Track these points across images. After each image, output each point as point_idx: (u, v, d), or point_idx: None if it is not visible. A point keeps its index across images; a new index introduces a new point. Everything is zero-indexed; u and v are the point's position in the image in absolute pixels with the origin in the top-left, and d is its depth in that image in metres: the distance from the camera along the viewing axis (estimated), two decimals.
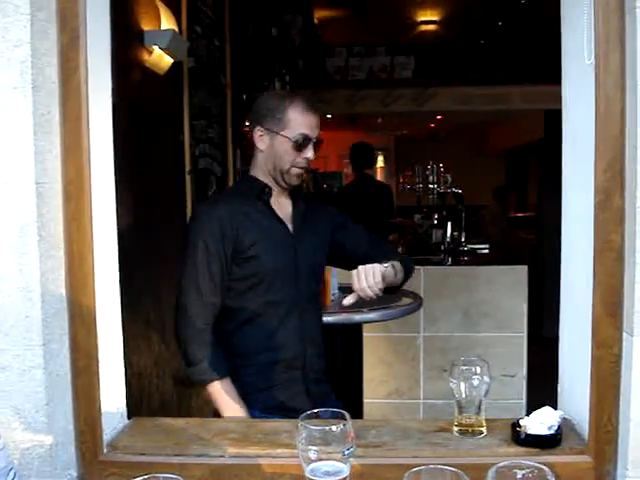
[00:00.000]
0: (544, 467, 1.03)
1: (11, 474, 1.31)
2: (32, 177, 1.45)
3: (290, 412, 2.02)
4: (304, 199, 2.38)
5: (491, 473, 1.04)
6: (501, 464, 1.04)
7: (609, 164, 1.45)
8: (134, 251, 2.66)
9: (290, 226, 2.28)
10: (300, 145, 2.19)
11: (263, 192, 2.25)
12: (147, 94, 2.98)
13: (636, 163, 1.39)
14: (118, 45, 1.87)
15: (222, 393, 2.18)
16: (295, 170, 2.23)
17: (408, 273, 2.36)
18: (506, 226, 9.05)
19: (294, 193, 2.34)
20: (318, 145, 2.24)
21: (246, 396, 2.20)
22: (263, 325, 2.22)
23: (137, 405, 2.70)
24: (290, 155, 2.20)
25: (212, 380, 2.18)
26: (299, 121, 2.19)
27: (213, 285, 2.19)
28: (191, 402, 3.63)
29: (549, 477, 1.01)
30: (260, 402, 2.21)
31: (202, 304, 2.19)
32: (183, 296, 2.21)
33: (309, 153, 2.21)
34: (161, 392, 3.09)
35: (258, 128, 2.24)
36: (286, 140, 2.19)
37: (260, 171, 2.27)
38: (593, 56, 1.47)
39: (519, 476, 1.04)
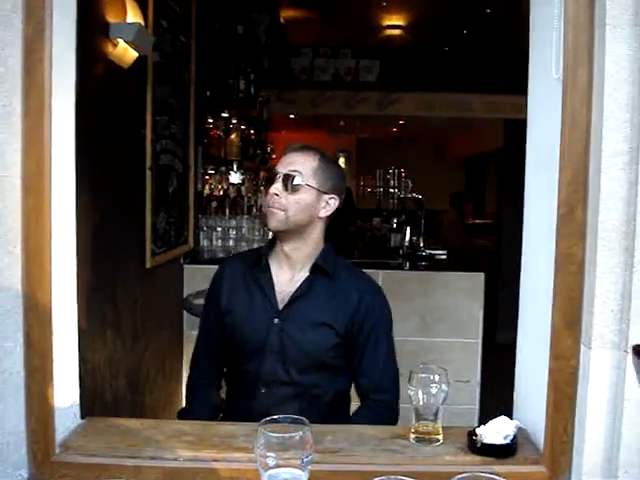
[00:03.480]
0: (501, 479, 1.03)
1: None
2: None
3: None
4: (333, 276, 2.09)
5: None
6: (460, 476, 1.04)
7: (573, 178, 1.46)
8: (92, 247, 2.61)
9: (280, 304, 2.07)
10: (269, 181, 2.05)
11: (258, 260, 2.14)
12: (110, 88, 2.93)
13: (600, 177, 1.40)
14: (82, 37, 1.83)
15: None
16: (266, 209, 2.05)
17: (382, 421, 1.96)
18: (463, 232, 9.11)
19: (317, 268, 2.08)
20: (286, 178, 2.01)
21: None
22: (232, 391, 2.20)
23: (91, 403, 2.65)
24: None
25: None
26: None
27: (208, 338, 2.23)
28: (145, 400, 3.58)
29: None
30: None
31: (201, 352, 2.25)
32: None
33: (271, 187, 2.03)
34: (114, 390, 3.05)
35: None
36: None
37: None
38: (561, 70, 1.49)
39: None
